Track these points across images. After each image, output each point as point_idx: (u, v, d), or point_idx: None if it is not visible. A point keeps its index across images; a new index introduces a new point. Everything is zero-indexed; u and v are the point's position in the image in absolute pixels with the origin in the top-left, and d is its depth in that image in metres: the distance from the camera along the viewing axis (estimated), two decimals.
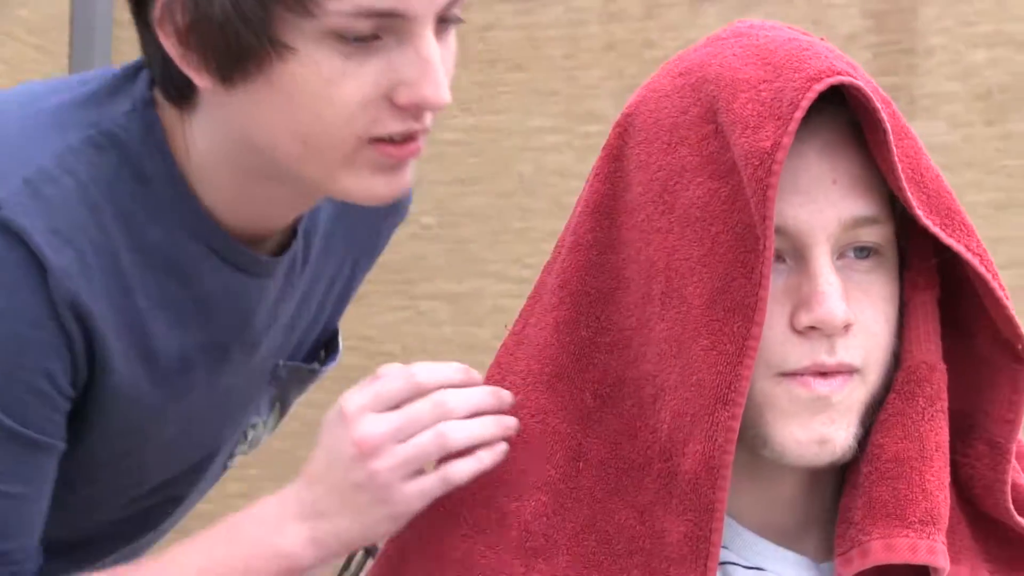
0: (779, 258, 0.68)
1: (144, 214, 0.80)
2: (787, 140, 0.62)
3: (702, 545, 0.67)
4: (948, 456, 0.71)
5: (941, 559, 0.69)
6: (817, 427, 0.68)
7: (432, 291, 8.20)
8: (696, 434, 0.66)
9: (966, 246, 0.68)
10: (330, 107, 0.72)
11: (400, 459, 0.73)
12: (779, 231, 0.65)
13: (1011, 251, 6.86)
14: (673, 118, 0.70)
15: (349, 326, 4.60)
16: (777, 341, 0.67)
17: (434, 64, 0.72)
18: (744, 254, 0.65)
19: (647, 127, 0.72)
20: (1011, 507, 0.71)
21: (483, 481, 0.74)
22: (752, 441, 0.69)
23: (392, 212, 1.01)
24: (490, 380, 0.77)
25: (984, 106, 6.16)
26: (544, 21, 6.18)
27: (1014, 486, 0.72)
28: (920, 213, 0.67)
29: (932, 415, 0.71)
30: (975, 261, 0.68)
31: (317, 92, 0.72)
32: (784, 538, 0.74)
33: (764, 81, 0.66)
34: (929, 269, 0.72)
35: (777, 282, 0.67)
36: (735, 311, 0.65)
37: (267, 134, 0.77)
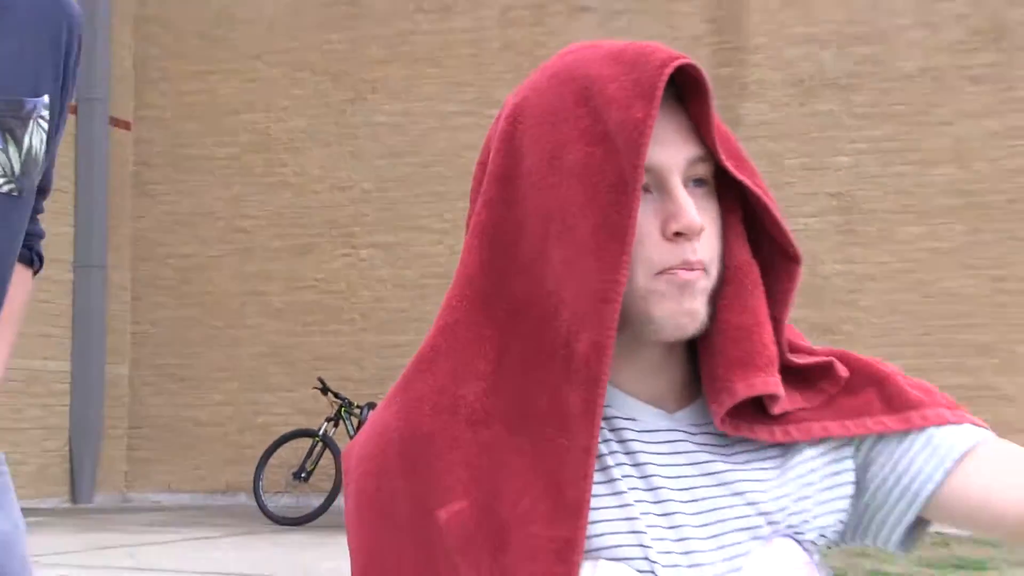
0: (646, 190, 0.85)
1: None
2: (655, 112, 0.82)
3: (590, 407, 0.85)
4: (770, 322, 0.92)
5: (781, 389, 0.91)
6: (687, 304, 0.86)
7: (370, 242, 9.64)
8: (587, 327, 0.84)
9: (752, 182, 0.88)
10: None
11: None
12: (647, 169, 0.83)
13: (819, 202, 8.49)
14: (553, 105, 0.89)
15: (304, 271, 6.34)
16: (654, 249, 0.86)
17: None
18: (617, 195, 0.83)
19: (534, 113, 0.90)
20: (786, 353, 0.95)
21: (439, 377, 0.94)
22: (638, 326, 0.88)
23: None
24: (445, 304, 0.96)
25: (796, 91, 7.66)
26: (455, 27, 7.56)
27: (790, 344, 0.97)
28: (722, 157, 0.87)
29: (757, 295, 0.91)
30: (758, 191, 0.88)
31: None
32: (650, 398, 0.94)
33: (624, 73, 0.85)
34: (733, 198, 0.92)
35: (647, 209, 0.84)
36: (612, 236, 0.83)
37: None
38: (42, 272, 1.59)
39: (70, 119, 3.77)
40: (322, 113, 9.78)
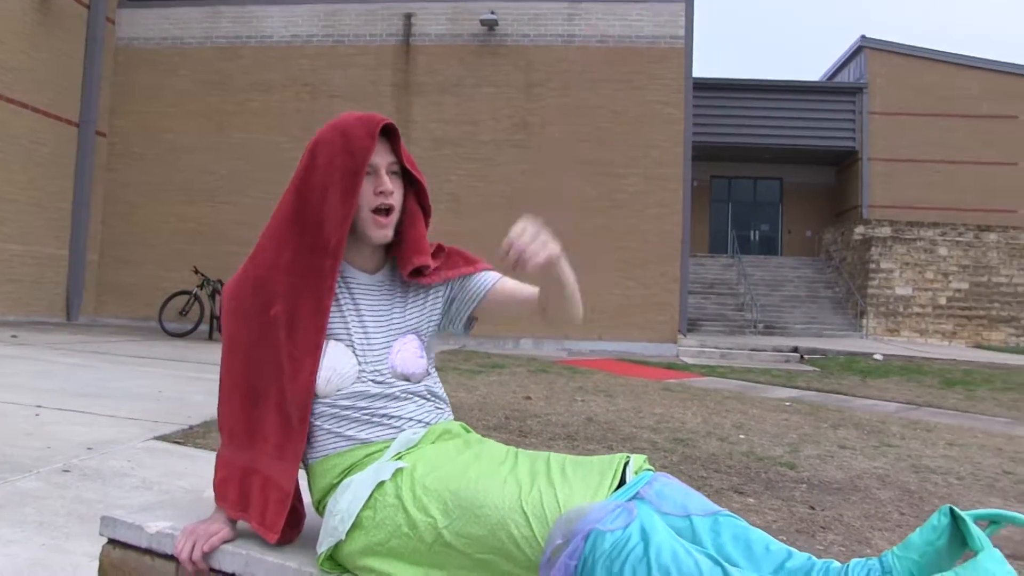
0: (370, 174, 1.96)
1: None
2: (372, 143, 1.91)
3: (332, 271, 1.91)
4: (425, 236, 2.09)
5: (430, 262, 2.09)
6: (384, 230, 2.00)
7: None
8: (334, 234, 1.91)
9: (416, 174, 2.04)
10: None
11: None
12: (370, 165, 1.93)
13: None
14: (331, 136, 1.93)
15: (197, 217, 17.14)
16: (370, 201, 1.94)
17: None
18: (354, 184, 1.90)
19: (325, 146, 1.92)
20: (429, 248, 2.13)
21: (268, 255, 1.99)
22: (361, 234, 1.99)
23: None
24: (271, 223, 2.01)
25: (438, 144, 15.94)
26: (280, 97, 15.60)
27: (434, 245, 2.15)
28: (404, 163, 2.02)
29: (419, 224, 2.10)
30: (419, 177, 2.03)
31: None
32: (363, 267, 2.06)
33: (361, 128, 1.93)
34: (409, 182, 2.07)
35: (370, 182, 1.95)
36: (350, 198, 1.91)
37: None
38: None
39: None
40: None
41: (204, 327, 15.08)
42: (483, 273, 2.18)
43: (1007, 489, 4.88)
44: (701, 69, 52.54)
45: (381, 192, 1.97)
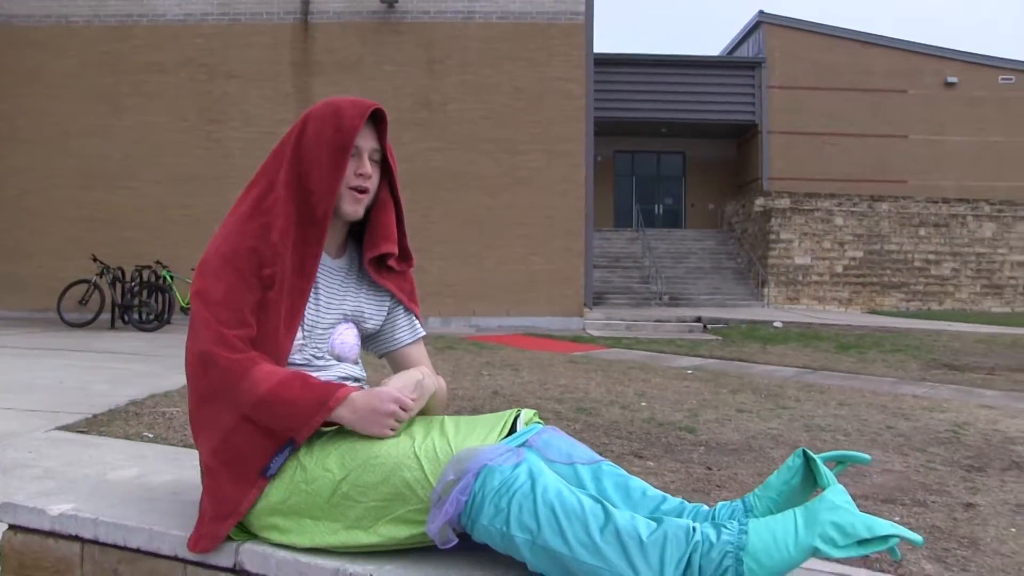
0: (354, 155, 2.04)
1: None
2: (361, 123, 2.00)
3: (319, 240, 2.02)
4: (395, 225, 2.19)
5: (395, 249, 2.18)
6: (358, 206, 2.08)
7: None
8: (322, 204, 2.00)
9: (393, 165, 2.14)
10: None
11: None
12: (355, 147, 2.04)
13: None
14: (324, 113, 2.03)
15: (92, 202, 16.63)
16: (349, 180, 2.04)
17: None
18: (342, 159, 2.00)
19: (316, 120, 2.03)
20: (396, 241, 2.22)
21: (263, 217, 2.03)
22: (336, 209, 2.05)
23: None
24: (263, 191, 2.08)
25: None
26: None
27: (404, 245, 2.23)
28: (388, 157, 2.13)
29: (390, 211, 2.17)
30: (393, 166, 2.14)
31: None
32: (330, 253, 2.14)
33: (352, 107, 2.03)
34: (384, 172, 2.15)
35: (353, 162, 2.04)
36: (338, 171, 2.00)
37: None
38: None
39: None
40: None
41: (105, 316, 14.74)
42: (413, 323, 2.30)
43: (888, 442, 5.14)
44: (602, 45, 52.91)
45: (360, 174, 2.06)
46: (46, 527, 2.15)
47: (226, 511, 1.93)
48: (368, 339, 2.28)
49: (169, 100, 16.65)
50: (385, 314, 2.26)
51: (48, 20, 16.86)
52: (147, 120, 16.65)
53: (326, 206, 2.02)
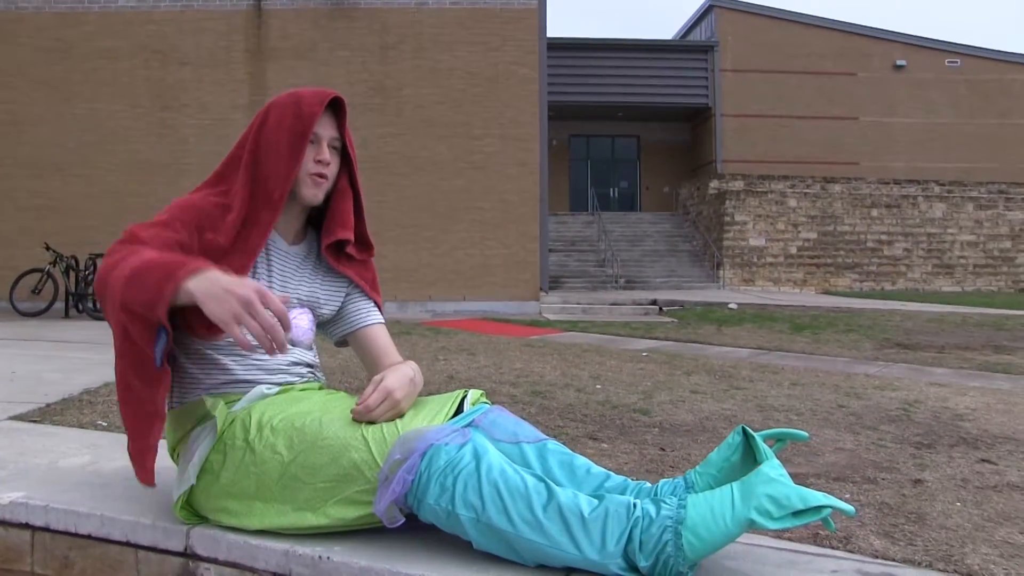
0: (313, 142, 2.10)
1: None
2: (319, 110, 2.05)
3: (268, 223, 2.04)
4: (352, 212, 2.25)
5: (351, 236, 2.24)
6: (317, 191, 2.13)
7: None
8: (277, 187, 2.05)
9: (352, 154, 2.19)
10: None
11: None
12: (314, 134, 2.09)
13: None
14: (284, 102, 2.09)
15: (46, 191, 16.19)
16: (309, 167, 2.09)
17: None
18: (300, 145, 2.05)
19: (278, 108, 2.09)
20: (351, 228, 2.26)
21: (219, 197, 2.07)
22: (294, 194, 2.11)
23: None
24: (225, 173, 2.15)
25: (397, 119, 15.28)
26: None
27: (361, 231, 2.30)
28: (348, 145, 2.18)
29: (347, 197, 2.23)
30: (353, 155, 2.18)
31: None
32: (284, 235, 2.17)
33: (313, 96, 2.09)
34: (344, 161, 2.21)
35: (312, 148, 2.09)
36: (295, 157, 2.05)
37: None
38: None
39: None
40: None
41: (59, 305, 14.51)
42: (373, 308, 2.30)
43: (839, 421, 5.23)
44: (555, 29, 52.88)
45: (319, 161, 2.11)
46: None
47: (145, 428, 1.92)
48: (328, 323, 2.31)
49: (122, 87, 16.39)
50: (341, 300, 2.29)
51: None
52: (100, 107, 16.39)
53: (282, 190, 2.05)
